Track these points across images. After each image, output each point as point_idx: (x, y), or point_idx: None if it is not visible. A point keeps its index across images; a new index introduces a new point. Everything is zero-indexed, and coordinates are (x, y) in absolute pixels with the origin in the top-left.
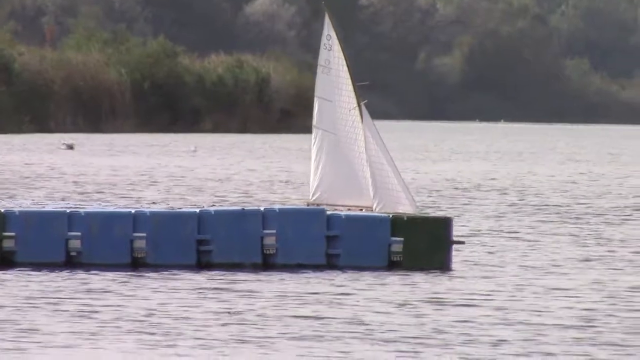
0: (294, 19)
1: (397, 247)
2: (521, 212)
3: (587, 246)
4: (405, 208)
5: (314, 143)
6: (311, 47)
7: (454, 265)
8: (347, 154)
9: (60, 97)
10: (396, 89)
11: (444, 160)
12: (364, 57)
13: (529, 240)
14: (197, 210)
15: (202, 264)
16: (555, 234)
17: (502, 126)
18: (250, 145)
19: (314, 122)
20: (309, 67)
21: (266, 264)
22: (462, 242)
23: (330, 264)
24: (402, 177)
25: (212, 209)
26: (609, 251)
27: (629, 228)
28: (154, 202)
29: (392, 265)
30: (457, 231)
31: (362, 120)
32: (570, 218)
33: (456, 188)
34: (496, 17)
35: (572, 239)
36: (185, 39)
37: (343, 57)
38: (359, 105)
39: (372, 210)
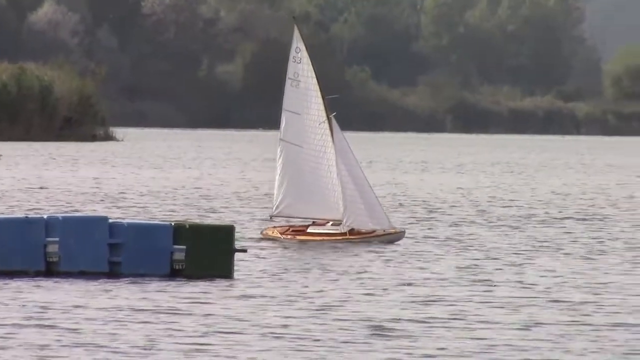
0: (77, 27)
1: (179, 255)
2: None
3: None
4: (377, 223)
5: (280, 156)
6: (94, 54)
7: (236, 274)
8: (314, 167)
9: None
10: (179, 97)
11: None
12: (146, 65)
13: (316, 247)
14: None
15: None
16: (337, 244)
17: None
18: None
19: (281, 135)
20: (92, 75)
21: (50, 271)
22: (245, 250)
23: (113, 271)
24: (374, 191)
25: None
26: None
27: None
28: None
29: (174, 273)
30: (241, 238)
31: (332, 134)
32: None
33: (240, 198)
34: (278, 24)
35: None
36: None
37: (312, 70)
38: (328, 119)
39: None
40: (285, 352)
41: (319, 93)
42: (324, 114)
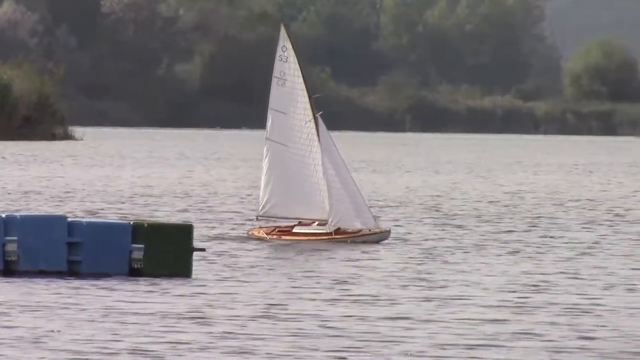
0: (36, 26)
1: (137, 254)
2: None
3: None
4: (363, 222)
5: (266, 156)
6: (53, 54)
7: (195, 273)
8: (300, 167)
9: None
10: (138, 97)
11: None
12: (105, 64)
13: (279, 247)
14: None
15: None
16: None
17: (243, 133)
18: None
19: (267, 134)
20: (50, 74)
21: (8, 270)
22: (203, 250)
23: (72, 270)
24: (360, 191)
25: None
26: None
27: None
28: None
29: (133, 272)
30: (199, 238)
31: (318, 133)
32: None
33: (198, 196)
34: (237, 23)
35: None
36: None
37: (299, 69)
38: (314, 118)
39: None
40: (232, 352)
41: (305, 92)
42: (310, 112)
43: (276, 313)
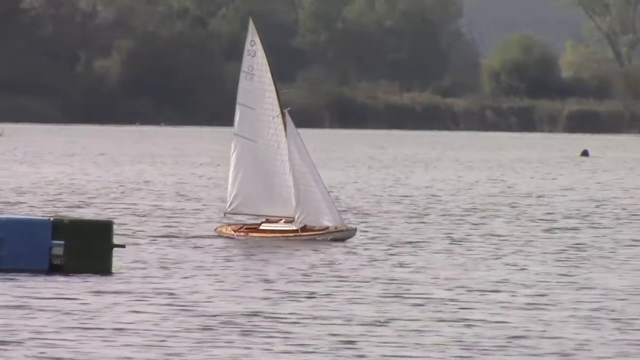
0: None
1: (58, 251)
2: (182, 214)
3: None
4: (330, 219)
5: (234, 151)
6: None
7: (116, 270)
8: (268, 163)
9: None
10: (56, 93)
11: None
12: (23, 60)
13: (200, 244)
14: None
15: None
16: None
17: (161, 129)
18: None
19: (235, 130)
20: None
21: None
22: (123, 246)
23: None
24: (326, 188)
25: None
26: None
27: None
28: None
29: (53, 269)
30: (119, 234)
31: (285, 129)
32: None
33: (115, 193)
34: (156, 19)
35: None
36: None
37: (267, 64)
38: (282, 113)
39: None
40: (137, 346)
41: (273, 87)
42: (277, 108)
43: (191, 310)
